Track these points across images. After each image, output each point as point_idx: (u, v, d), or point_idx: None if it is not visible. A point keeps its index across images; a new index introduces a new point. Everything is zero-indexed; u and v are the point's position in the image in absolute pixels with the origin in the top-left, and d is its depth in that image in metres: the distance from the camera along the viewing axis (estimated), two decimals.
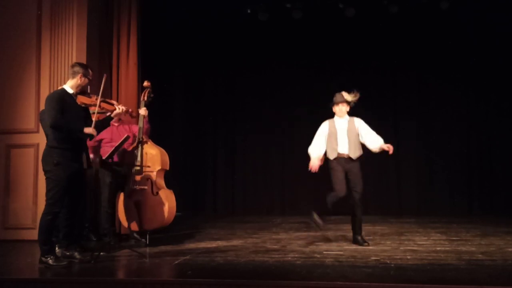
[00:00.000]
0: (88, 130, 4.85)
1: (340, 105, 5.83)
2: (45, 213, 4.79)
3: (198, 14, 9.31)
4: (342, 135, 5.78)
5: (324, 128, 5.90)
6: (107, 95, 6.22)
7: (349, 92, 5.85)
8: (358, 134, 5.79)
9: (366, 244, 5.66)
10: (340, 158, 5.74)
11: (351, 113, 5.94)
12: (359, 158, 5.76)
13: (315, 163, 5.78)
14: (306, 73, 9.56)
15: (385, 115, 9.27)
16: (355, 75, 9.10)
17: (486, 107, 9.24)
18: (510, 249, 5.42)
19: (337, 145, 5.76)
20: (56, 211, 4.78)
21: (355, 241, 5.77)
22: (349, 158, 5.72)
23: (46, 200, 4.82)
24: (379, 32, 9.25)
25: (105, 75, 5.21)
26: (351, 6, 8.85)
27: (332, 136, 5.80)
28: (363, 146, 5.85)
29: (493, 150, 9.16)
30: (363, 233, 5.84)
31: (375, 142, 5.75)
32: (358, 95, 5.82)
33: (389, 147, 5.71)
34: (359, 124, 5.84)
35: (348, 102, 5.82)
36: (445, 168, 9.27)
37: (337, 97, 5.84)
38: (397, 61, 9.33)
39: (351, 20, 9.01)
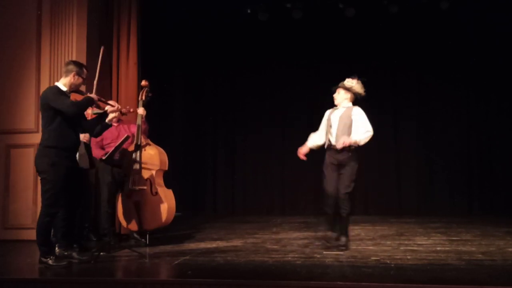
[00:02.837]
0: (92, 96, 4.81)
1: (336, 91, 5.60)
2: (42, 214, 4.73)
3: (198, 14, 9.31)
4: (335, 124, 5.52)
5: (324, 116, 5.72)
6: (106, 96, 6.22)
7: (353, 78, 5.59)
8: (351, 124, 5.46)
9: (343, 248, 5.38)
10: (332, 150, 5.50)
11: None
12: (350, 150, 5.40)
13: (302, 149, 5.69)
14: (306, 73, 9.57)
15: (385, 115, 9.27)
16: (355, 75, 9.09)
17: (486, 107, 9.24)
18: (510, 249, 5.42)
19: (330, 134, 5.55)
20: (53, 212, 4.73)
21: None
22: (340, 149, 5.42)
23: (43, 202, 4.77)
24: (379, 32, 9.25)
25: (102, 47, 5.15)
26: (351, 6, 8.84)
27: (328, 125, 5.59)
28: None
29: (493, 150, 9.16)
30: (344, 236, 5.48)
31: (354, 134, 5.42)
32: (356, 81, 5.55)
33: (344, 143, 5.33)
34: (356, 113, 5.50)
35: (347, 89, 5.55)
36: (445, 168, 9.27)
37: (338, 85, 5.61)
38: (397, 61, 9.34)
39: (351, 20, 9.00)
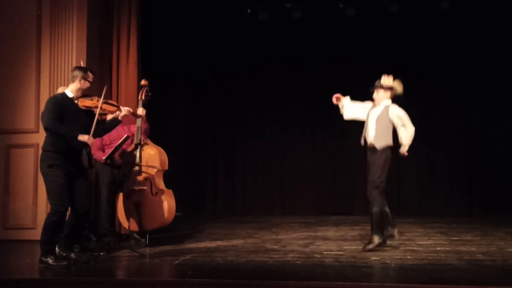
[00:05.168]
0: (82, 137, 4.76)
1: (375, 91, 5.55)
2: (50, 214, 4.79)
3: (198, 14, 9.30)
4: (372, 122, 5.48)
5: (366, 103, 5.64)
6: (106, 96, 6.20)
7: (389, 76, 5.54)
8: (390, 123, 5.42)
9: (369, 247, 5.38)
10: (369, 148, 5.48)
11: None
12: (386, 150, 5.40)
13: (341, 98, 5.64)
14: (306, 73, 9.57)
15: None
16: (355, 75, 9.10)
17: (486, 106, 9.24)
18: (510, 249, 5.42)
19: (366, 132, 5.52)
20: (62, 210, 4.77)
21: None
22: (373, 148, 5.43)
23: (50, 202, 4.84)
24: (380, 32, 9.24)
25: (106, 86, 5.21)
26: (351, 6, 8.83)
27: (365, 123, 5.55)
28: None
29: (493, 150, 9.16)
30: (376, 233, 5.37)
31: (401, 137, 5.44)
32: (398, 84, 5.50)
33: (403, 152, 5.46)
34: (394, 109, 5.43)
35: (387, 88, 5.49)
36: (445, 168, 9.26)
37: (375, 84, 5.56)
38: (397, 61, 9.33)
39: (351, 20, 9.00)
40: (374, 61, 9.25)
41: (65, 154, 4.82)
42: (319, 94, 9.58)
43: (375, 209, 5.38)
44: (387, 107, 5.50)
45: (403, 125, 5.45)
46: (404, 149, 5.47)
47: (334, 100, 5.73)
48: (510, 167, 8.98)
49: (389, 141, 5.44)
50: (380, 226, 5.41)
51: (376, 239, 5.37)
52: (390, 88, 5.54)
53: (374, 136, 5.45)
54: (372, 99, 5.65)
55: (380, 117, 5.47)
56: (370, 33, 9.25)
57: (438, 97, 9.38)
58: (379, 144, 5.42)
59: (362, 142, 5.61)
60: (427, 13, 8.95)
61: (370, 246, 5.35)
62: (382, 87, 5.54)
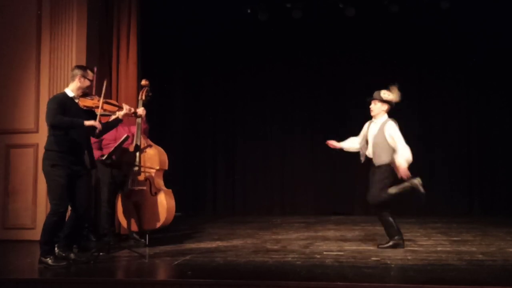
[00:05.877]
0: (89, 122, 4.79)
1: (372, 103, 5.55)
2: (50, 214, 4.79)
3: (198, 13, 9.30)
4: (370, 138, 5.50)
5: (364, 127, 5.67)
6: (107, 96, 6.21)
7: (390, 88, 5.51)
8: (387, 139, 5.39)
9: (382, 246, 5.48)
10: (372, 165, 5.52)
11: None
12: (386, 166, 5.39)
13: (335, 143, 5.70)
14: (306, 73, 9.57)
15: None
16: (355, 75, 9.10)
17: (486, 106, 9.24)
18: (510, 249, 5.41)
19: (366, 148, 5.55)
20: (61, 211, 4.76)
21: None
22: (374, 164, 5.48)
23: (50, 202, 4.84)
24: (380, 32, 9.24)
25: (105, 80, 5.21)
26: (351, 6, 8.83)
27: (364, 138, 5.58)
28: None
29: (493, 150, 9.16)
30: (386, 239, 5.54)
31: (398, 156, 5.33)
32: (395, 92, 5.47)
33: (402, 174, 5.29)
34: (389, 128, 5.41)
35: (383, 101, 5.49)
36: (445, 168, 9.26)
37: (373, 95, 5.54)
38: (397, 61, 9.33)
39: (351, 19, 8.99)
40: (374, 61, 9.25)
41: (68, 154, 4.81)
42: (319, 94, 9.60)
43: (383, 217, 5.48)
44: (383, 124, 5.49)
45: (396, 142, 5.37)
46: (400, 171, 5.33)
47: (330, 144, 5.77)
48: (510, 167, 8.98)
49: (386, 159, 5.42)
50: (393, 229, 5.50)
51: (393, 243, 5.47)
52: (388, 102, 5.53)
53: (372, 153, 5.51)
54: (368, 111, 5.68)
55: (377, 135, 5.48)
56: (370, 33, 9.24)
57: (438, 97, 9.38)
58: (377, 162, 5.46)
59: (362, 159, 5.62)
60: (427, 13, 8.94)
61: (386, 246, 5.47)
62: (381, 99, 5.53)
